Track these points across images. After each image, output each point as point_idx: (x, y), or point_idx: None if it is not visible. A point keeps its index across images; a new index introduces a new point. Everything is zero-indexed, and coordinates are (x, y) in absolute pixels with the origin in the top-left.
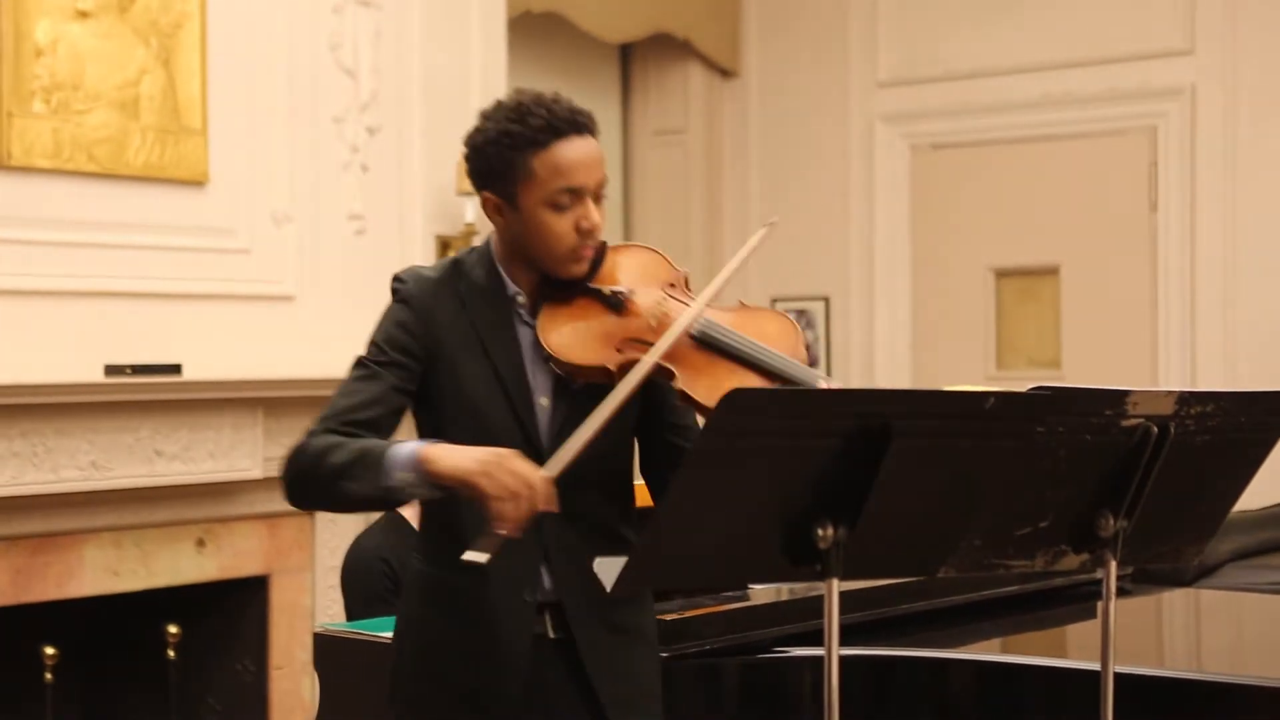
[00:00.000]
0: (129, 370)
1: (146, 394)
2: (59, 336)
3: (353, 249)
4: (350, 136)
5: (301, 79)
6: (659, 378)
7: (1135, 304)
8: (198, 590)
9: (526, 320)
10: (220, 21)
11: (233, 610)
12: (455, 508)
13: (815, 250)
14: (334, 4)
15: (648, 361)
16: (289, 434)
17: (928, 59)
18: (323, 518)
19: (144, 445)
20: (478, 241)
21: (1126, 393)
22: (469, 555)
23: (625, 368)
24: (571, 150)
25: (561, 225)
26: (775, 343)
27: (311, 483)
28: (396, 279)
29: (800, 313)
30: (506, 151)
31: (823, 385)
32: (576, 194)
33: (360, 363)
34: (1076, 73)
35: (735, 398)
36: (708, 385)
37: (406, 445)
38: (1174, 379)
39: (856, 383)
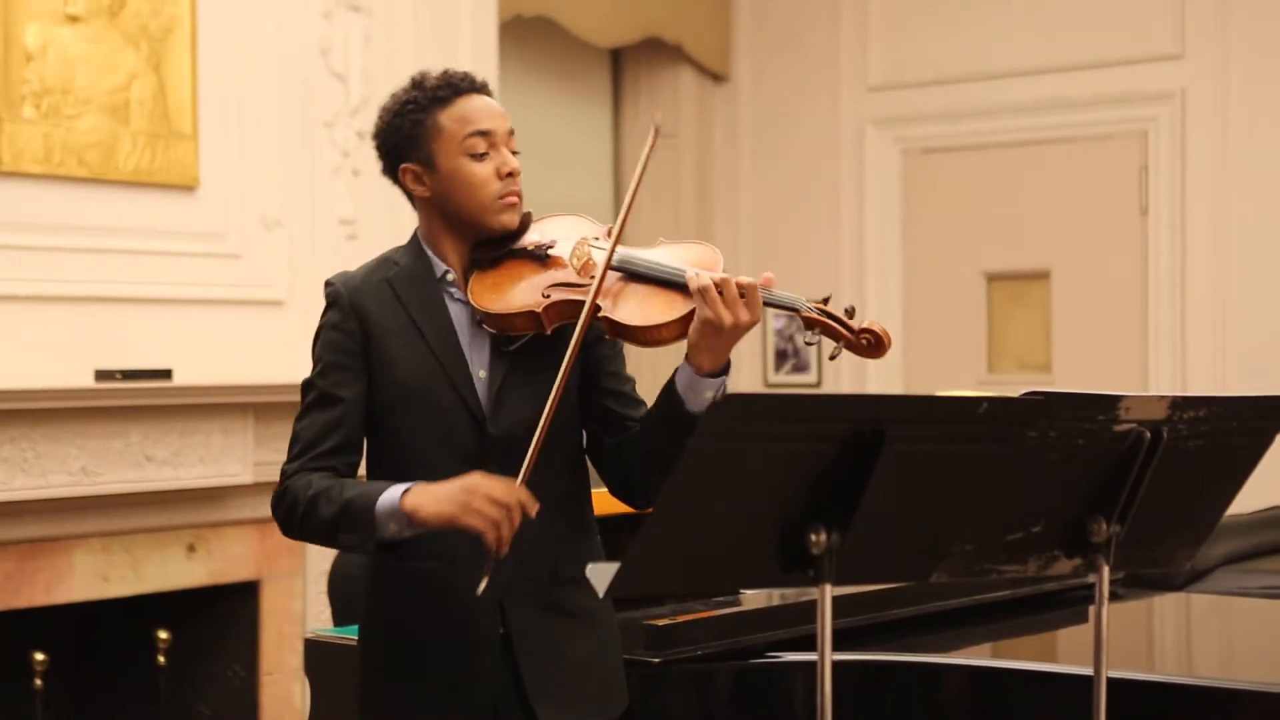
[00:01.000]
0: (119, 375)
1: (137, 399)
2: (49, 341)
3: (344, 254)
4: (341, 141)
5: (292, 83)
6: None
7: (1126, 308)
8: (188, 595)
9: (458, 298)
10: (210, 26)
11: (223, 616)
12: None
13: (806, 254)
14: (324, 8)
15: (586, 305)
16: (280, 439)
17: (919, 63)
18: None
19: (134, 450)
20: None
21: (1119, 398)
22: (482, 588)
23: (551, 310)
24: (474, 102)
25: (483, 172)
26: (696, 263)
27: (309, 534)
28: (327, 284)
29: (791, 317)
30: (412, 115)
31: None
32: (489, 138)
33: (309, 385)
34: (1067, 77)
35: (727, 402)
36: (633, 308)
37: (388, 497)
38: (1164, 383)
39: (848, 387)
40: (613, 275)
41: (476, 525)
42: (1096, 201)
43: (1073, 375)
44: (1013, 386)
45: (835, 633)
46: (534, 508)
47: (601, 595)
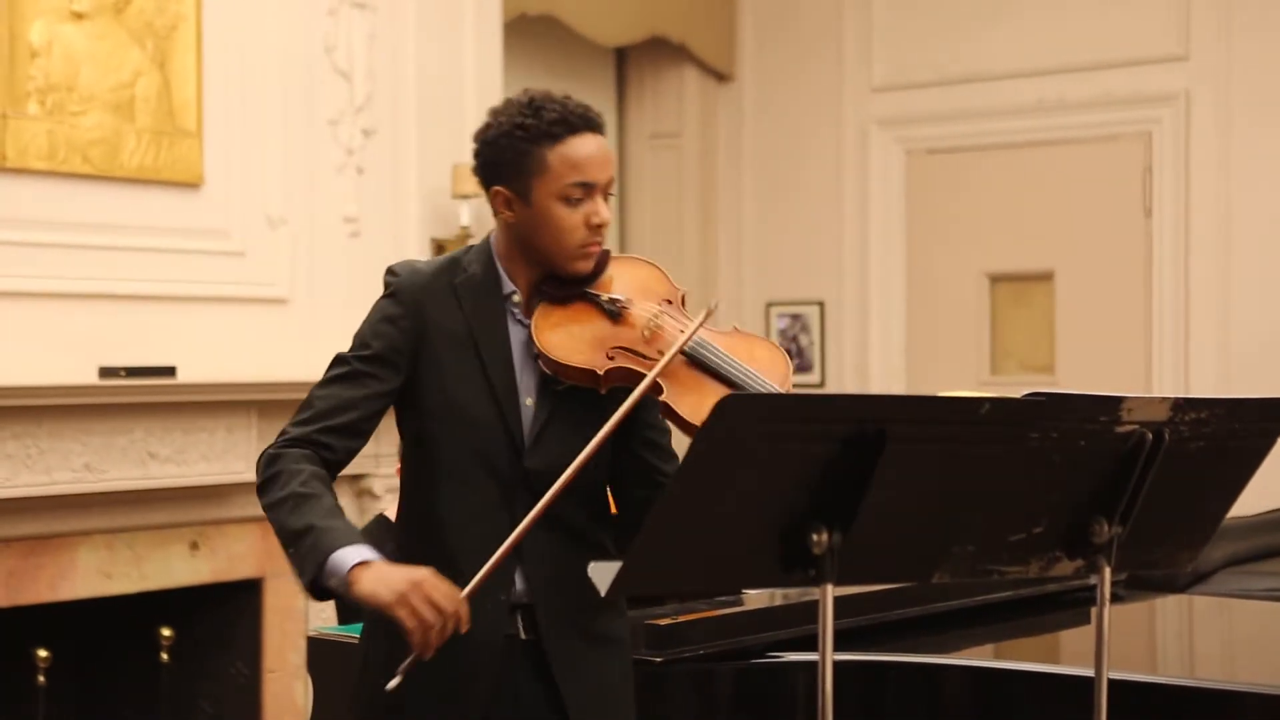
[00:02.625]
0: (123, 372)
1: (140, 396)
2: (53, 338)
3: (347, 251)
4: (345, 139)
5: (296, 81)
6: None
7: (1129, 309)
8: (191, 593)
9: (520, 319)
10: (215, 23)
11: (226, 613)
12: (432, 508)
13: (810, 255)
14: (329, 6)
15: (645, 383)
16: None
17: (922, 64)
18: None
19: (137, 447)
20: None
21: (1121, 399)
22: (391, 685)
23: (612, 374)
24: (585, 145)
25: (573, 219)
26: (764, 368)
27: (270, 516)
28: (389, 272)
29: (795, 317)
30: (520, 144)
31: None
32: (588, 189)
33: (342, 359)
34: (1071, 78)
35: (730, 402)
36: (693, 403)
37: (341, 556)
38: (1168, 384)
39: (851, 387)
40: (681, 357)
41: (406, 622)
42: (1100, 203)
43: (1075, 376)
44: (1015, 387)
45: (836, 633)
46: (466, 626)
47: (604, 595)
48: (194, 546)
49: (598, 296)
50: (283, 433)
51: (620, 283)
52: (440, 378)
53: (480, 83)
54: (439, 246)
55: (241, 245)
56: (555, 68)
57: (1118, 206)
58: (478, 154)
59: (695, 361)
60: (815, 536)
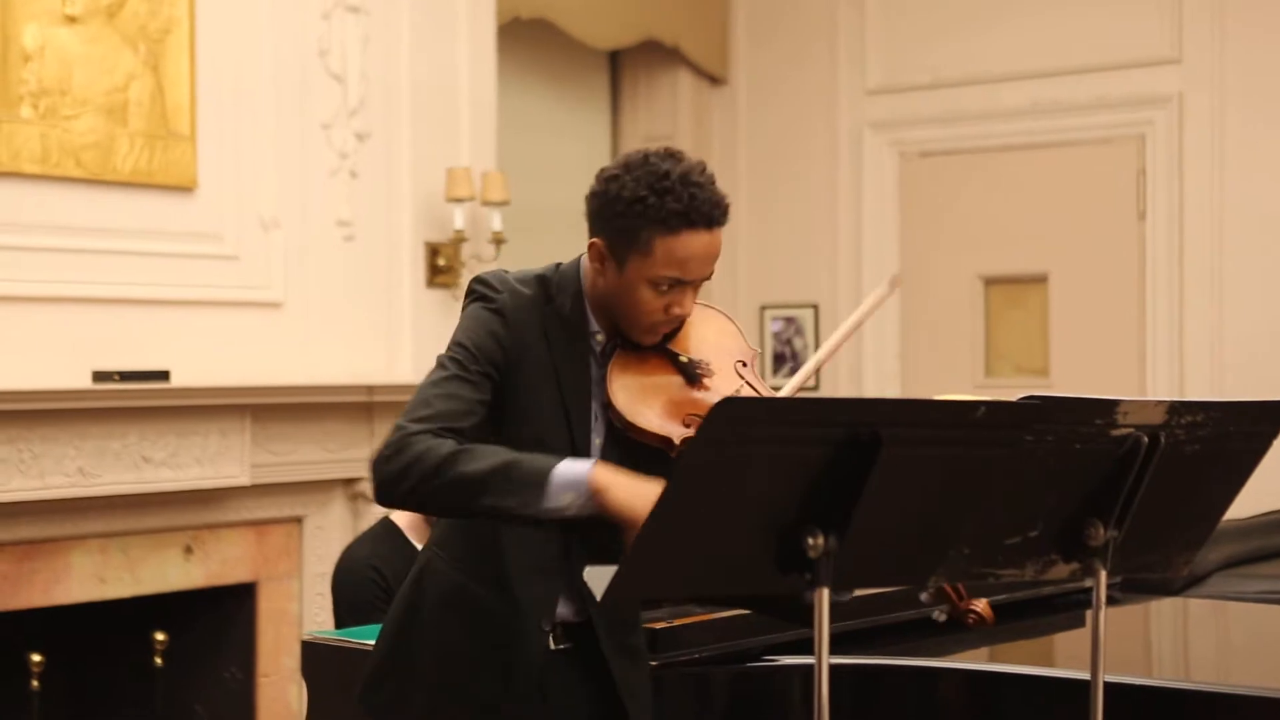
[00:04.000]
0: (117, 377)
1: (134, 400)
2: (46, 342)
3: (341, 255)
4: (339, 142)
5: (290, 85)
6: None
7: (1123, 312)
8: (185, 597)
9: (598, 360)
10: (209, 27)
11: (220, 617)
12: (498, 526)
13: (804, 257)
14: (323, 10)
15: None
16: (276, 440)
17: (916, 67)
18: (310, 525)
19: (131, 452)
20: (473, 246)
21: (1117, 402)
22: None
23: (686, 444)
24: (696, 243)
25: (655, 304)
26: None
27: (433, 486)
28: (485, 284)
29: (789, 320)
30: (634, 219)
31: None
32: (681, 283)
33: (453, 362)
34: (1065, 80)
35: (726, 407)
36: None
37: (571, 465)
38: (1162, 387)
39: (845, 391)
40: None
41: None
42: (1094, 205)
43: (1070, 379)
44: (1010, 390)
45: (832, 636)
46: None
47: (599, 599)
48: (188, 551)
49: (676, 355)
50: (398, 428)
51: (697, 338)
52: (525, 404)
53: (474, 86)
54: (432, 250)
55: (235, 249)
56: (549, 71)
57: (1111, 209)
58: (592, 200)
59: None
60: (810, 540)
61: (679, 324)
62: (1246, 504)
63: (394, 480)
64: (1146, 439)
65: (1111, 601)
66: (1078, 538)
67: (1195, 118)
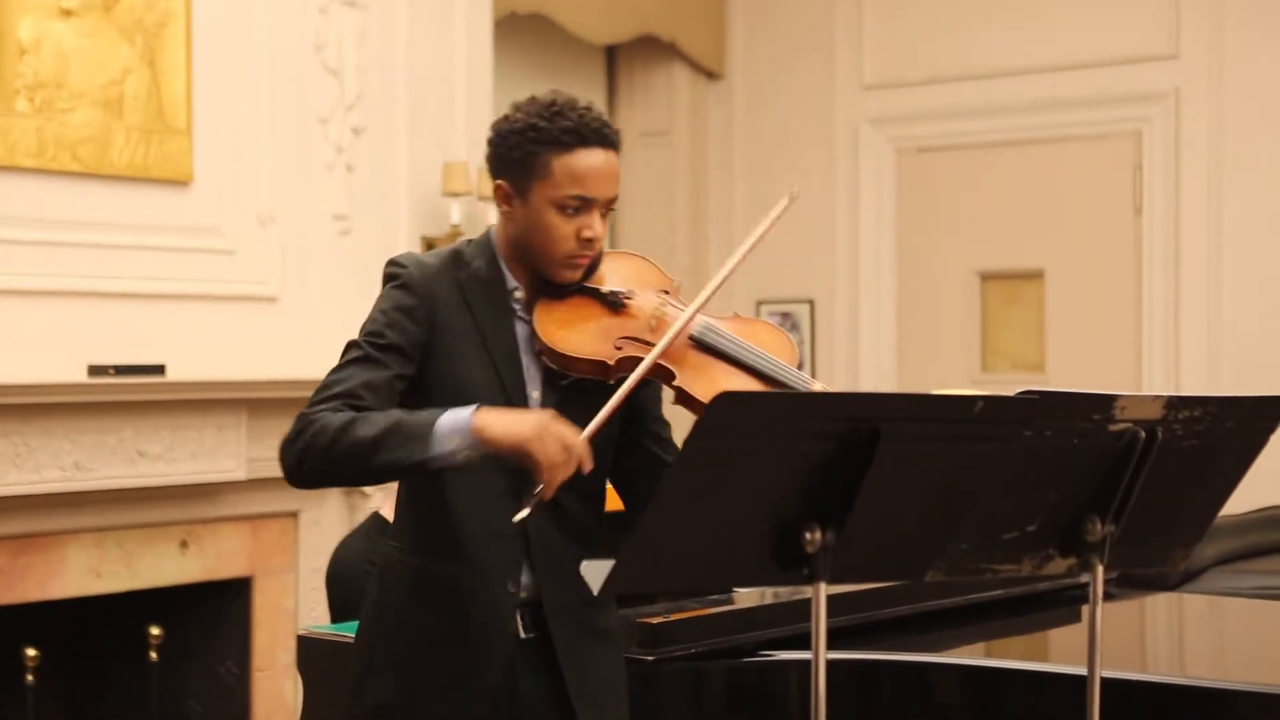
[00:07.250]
0: (112, 370)
1: (130, 394)
2: (42, 336)
3: (337, 250)
4: (335, 137)
5: (286, 79)
6: (656, 377)
7: (1120, 307)
8: (180, 591)
9: (521, 315)
10: (205, 21)
11: (215, 612)
12: (439, 496)
13: (800, 253)
14: (319, 4)
15: (654, 353)
16: (273, 435)
17: (913, 62)
18: (305, 520)
19: (127, 446)
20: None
21: (1114, 397)
22: (518, 517)
23: (623, 364)
24: (592, 159)
25: (564, 229)
26: (770, 349)
27: (331, 457)
28: (394, 263)
29: (785, 316)
30: (529, 145)
31: (816, 389)
32: (586, 203)
33: (356, 345)
34: (1062, 76)
35: (724, 400)
36: (705, 384)
37: (454, 413)
38: (1158, 382)
39: (841, 386)
40: (684, 340)
41: (540, 458)
42: (1090, 201)
43: (1066, 375)
44: (1006, 386)
45: (829, 631)
46: (589, 466)
47: (596, 593)
48: (183, 545)
49: (597, 290)
50: (299, 415)
51: (615, 277)
52: (453, 369)
53: (470, 81)
54: (429, 244)
55: (231, 243)
56: (545, 66)
57: (1108, 204)
58: (490, 143)
59: (704, 345)
60: (809, 534)
61: (595, 257)
62: (1242, 500)
63: (298, 460)
64: (1144, 434)
65: (1108, 597)
66: (1075, 533)
67: (1192, 114)
